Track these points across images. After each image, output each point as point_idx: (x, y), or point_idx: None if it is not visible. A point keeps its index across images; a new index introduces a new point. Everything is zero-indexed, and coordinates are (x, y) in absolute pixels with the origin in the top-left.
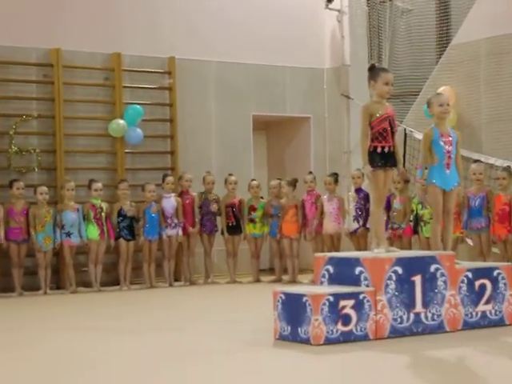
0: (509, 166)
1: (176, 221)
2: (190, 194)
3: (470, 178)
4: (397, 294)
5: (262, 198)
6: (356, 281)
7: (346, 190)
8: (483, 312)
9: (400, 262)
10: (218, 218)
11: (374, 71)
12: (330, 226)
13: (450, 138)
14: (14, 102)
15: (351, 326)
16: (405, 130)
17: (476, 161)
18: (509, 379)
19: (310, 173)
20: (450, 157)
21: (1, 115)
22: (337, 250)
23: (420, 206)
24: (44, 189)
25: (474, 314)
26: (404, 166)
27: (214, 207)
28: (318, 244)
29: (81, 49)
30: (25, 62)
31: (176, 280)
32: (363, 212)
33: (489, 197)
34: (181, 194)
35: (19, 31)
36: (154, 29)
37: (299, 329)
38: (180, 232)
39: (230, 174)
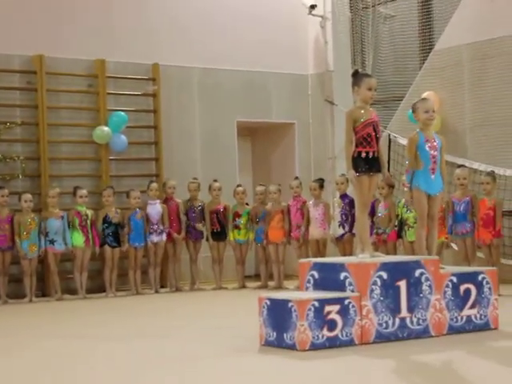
0: (492, 171)
1: (162, 227)
2: (174, 200)
3: (455, 183)
4: (382, 298)
5: (247, 204)
6: (341, 286)
7: (332, 196)
8: (468, 316)
9: (385, 266)
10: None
11: (357, 77)
12: (315, 231)
13: (435, 143)
14: None
15: (337, 332)
16: (389, 135)
17: (460, 166)
18: (495, 382)
19: (296, 178)
20: (435, 162)
21: None
22: (323, 255)
23: (405, 210)
24: (28, 196)
25: (459, 318)
26: (388, 171)
27: (198, 226)
28: (303, 250)
29: (64, 55)
30: (8, 69)
31: (162, 287)
32: (348, 218)
33: (473, 202)
34: (165, 201)
35: (2, 38)
36: (138, 35)
37: (285, 334)
38: (164, 237)
39: (215, 180)
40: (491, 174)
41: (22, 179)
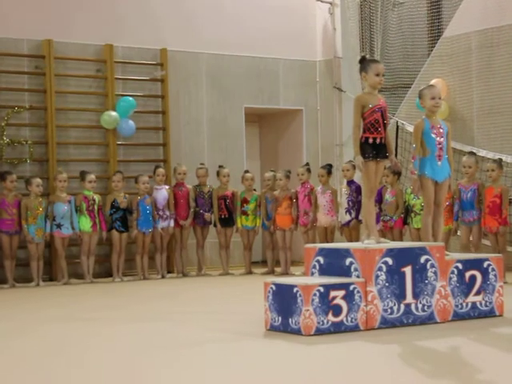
0: (500, 159)
1: (168, 213)
2: (184, 186)
3: (462, 171)
4: (387, 284)
5: (254, 190)
6: (346, 272)
7: (339, 183)
8: (473, 303)
9: (390, 252)
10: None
11: (364, 63)
12: (323, 218)
13: (441, 130)
14: (6, 94)
15: (342, 317)
16: (397, 122)
17: (469, 153)
18: (499, 369)
19: (306, 164)
20: (441, 148)
21: None
22: (330, 242)
23: (412, 196)
24: (39, 181)
25: (464, 304)
26: (396, 158)
27: (207, 216)
28: (310, 236)
29: (73, 40)
30: (17, 54)
31: (169, 272)
32: (355, 204)
33: (480, 190)
34: (176, 187)
35: (11, 22)
36: (147, 20)
37: (290, 319)
38: (172, 223)
39: (222, 166)
40: (497, 162)
41: (30, 163)
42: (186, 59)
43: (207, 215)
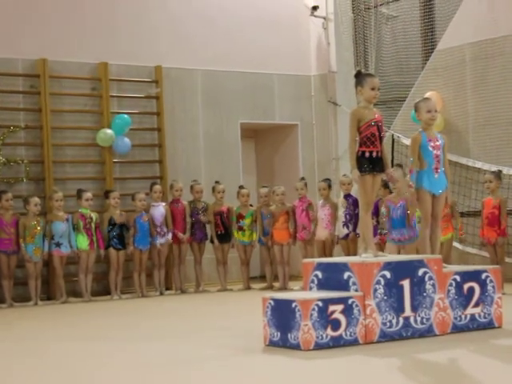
0: (500, 170)
1: (165, 229)
2: (181, 202)
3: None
4: (385, 298)
5: (251, 205)
6: (345, 286)
7: (335, 196)
8: (472, 315)
9: (388, 266)
10: (208, 226)
11: (360, 77)
12: (321, 232)
13: (438, 143)
14: (1, 113)
15: (341, 331)
16: (392, 135)
17: (396, 165)
18: (499, 381)
19: (302, 179)
20: (438, 161)
21: None
22: (329, 256)
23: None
24: (37, 200)
25: (462, 317)
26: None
27: (203, 218)
28: (309, 250)
29: (67, 59)
30: (11, 73)
31: (167, 289)
32: (352, 218)
33: (502, 205)
34: (172, 203)
35: (5, 42)
36: (141, 38)
37: (289, 334)
38: (170, 237)
39: (218, 182)
40: (495, 173)
41: (27, 182)
42: (180, 76)
43: (203, 218)
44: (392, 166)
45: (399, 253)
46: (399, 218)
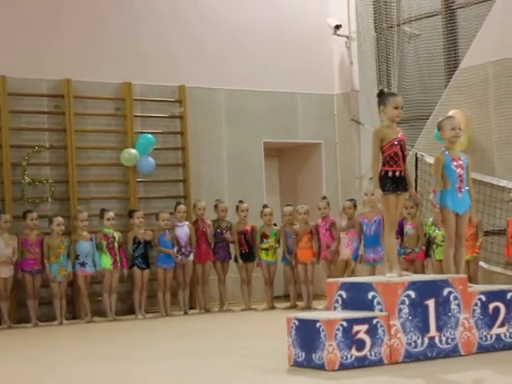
0: None
1: (189, 248)
2: (204, 221)
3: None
4: (410, 318)
5: (275, 224)
6: (369, 306)
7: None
8: (498, 335)
9: (413, 286)
10: (231, 246)
11: (383, 96)
12: (344, 251)
13: (461, 162)
14: (26, 134)
15: (365, 351)
16: (416, 154)
17: (370, 179)
18: None
19: (324, 198)
20: (461, 180)
21: (13, 146)
22: (351, 275)
23: (433, 228)
24: (60, 219)
25: (488, 337)
26: (416, 190)
27: (227, 236)
28: (333, 270)
29: (91, 79)
30: (36, 94)
31: (191, 308)
32: None
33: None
34: (195, 222)
35: (30, 63)
36: (164, 58)
37: (313, 355)
38: (191, 257)
39: (241, 201)
40: None
41: (51, 202)
42: (204, 95)
43: (227, 235)
44: (416, 185)
45: (373, 274)
46: (373, 235)
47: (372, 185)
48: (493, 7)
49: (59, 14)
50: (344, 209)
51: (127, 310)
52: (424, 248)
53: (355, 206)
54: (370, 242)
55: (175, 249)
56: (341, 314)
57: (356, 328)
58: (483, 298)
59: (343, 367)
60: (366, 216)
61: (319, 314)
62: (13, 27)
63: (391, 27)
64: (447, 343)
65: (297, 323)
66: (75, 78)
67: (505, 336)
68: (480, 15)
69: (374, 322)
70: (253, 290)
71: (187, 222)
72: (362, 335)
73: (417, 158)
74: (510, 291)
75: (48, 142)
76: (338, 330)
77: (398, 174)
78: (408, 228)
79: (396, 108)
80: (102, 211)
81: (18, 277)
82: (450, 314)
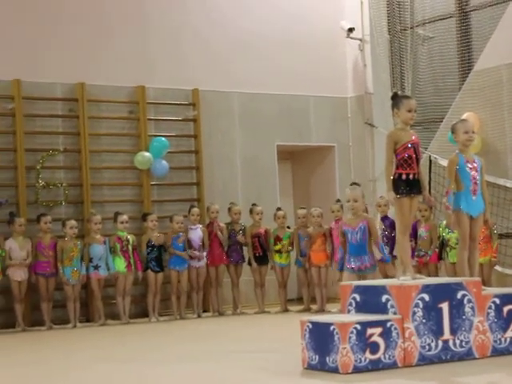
0: None
1: (204, 253)
2: (217, 224)
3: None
4: (424, 321)
5: (288, 227)
6: (383, 309)
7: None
8: None
9: (426, 289)
10: (244, 249)
11: (396, 99)
12: None
13: (475, 164)
14: (40, 137)
15: (379, 354)
16: (429, 156)
17: (351, 184)
18: None
19: (338, 201)
20: (475, 183)
21: (27, 150)
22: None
23: (447, 231)
24: (73, 223)
25: (502, 340)
26: (430, 193)
27: (240, 238)
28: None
29: (105, 83)
30: (50, 97)
31: (205, 311)
32: (390, 240)
33: (370, 226)
34: (209, 225)
35: (44, 67)
36: (178, 62)
37: (327, 358)
38: (204, 260)
39: (255, 204)
40: None
41: (65, 206)
42: (217, 99)
43: (240, 238)
44: (429, 188)
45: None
46: (359, 243)
47: (355, 190)
48: (507, 9)
49: (73, 19)
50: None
51: (141, 312)
52: (437, 251)
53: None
54: (355, 250)
55: (188, 251)
56: (355, 317)
57: (370, 331)
58: (497, 300)
59: (357, 370)
60: (349, 224)
61: (333, 316)
62: (27, 31)
63: (405, 30)
64: (461, 346)
65: (310, 326)
66: (89, 81)
67: None
68: (494, 17)
69: (388, 324)
70: (266, 293)
71: (200, 225)
72: (375, 338)
73: (430, 161)
74: None
75: (62, 146)
76: (352, 332)
77: (411, 176)
78: (422, 231)
79: (409, 111)
80: (116, 214)
81: (32, 280)
82: (464, 316)
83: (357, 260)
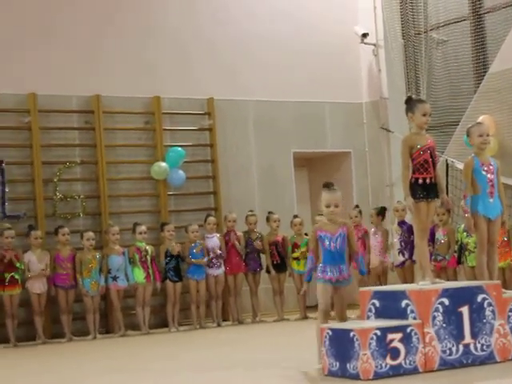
0: None
1: (220, 261)
2: (235, 233)
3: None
4: (444, 325)
5: (306, 234)
6: (403, 314)
7: (390, 223)
8: None
9: (446, 293)
10: (262, 257)
11: (410, 103)
12: (375, 259)
13: (491, 167)
14: (57, 150)
15: (400, 360)
16: (446, 160)
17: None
18: None
19: (356, 207)
20: (492, 185)
21: (44, 163)
22: (383, 284)
23: (465, 235)
24: (91, 234)
25: None
26: (447, 196)
27: (257, 244)
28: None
29: (120, 94)
30: (66, 110)
31: (224, 320)
32: (408, 245)
33: (349, 234)
34: (226, 234)
35: (60, 80)
36: (192, 71)
37: (348, 364)
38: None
39: (272, 212)
40: None
41: (83, 217)
42: (232, 107)
43: (257, 243)
44: (447, 192)
45: (331, 297)
46: (338, 250)
47: (336, 194)
48: None
49: (87, 32)
50: (371, 216)
51: (160, 323)
52: (456, 255)
53: (378, 215)
54: (331, 258)
55: (205, 258)
56: (374, 323)
57: (390, 336)
58: None
59: (378, 376)
60: (327, 230)
61: (352, 323)
62: (42, 45)
63: (419, 34)
64: (482, 350)
65: (330, 333)
66: (104, 93)
67: None
68: (508, 19)
69: (408, 330)
70: (285, 301)
71: (217, 234)
72: (396, 343)
73: (447, 165)
74: None
75: (79, 158)
76: (372, 338)
77: (428, 181)
78: (439, 235)
79: (424, 115)
80: (135, 225)
81: (52, 292)
82: (484, 320)
83: (334, 270)
